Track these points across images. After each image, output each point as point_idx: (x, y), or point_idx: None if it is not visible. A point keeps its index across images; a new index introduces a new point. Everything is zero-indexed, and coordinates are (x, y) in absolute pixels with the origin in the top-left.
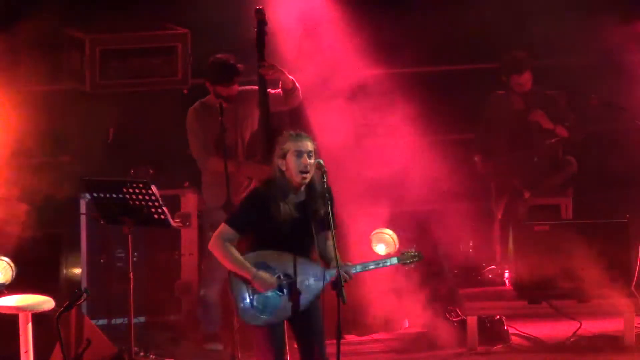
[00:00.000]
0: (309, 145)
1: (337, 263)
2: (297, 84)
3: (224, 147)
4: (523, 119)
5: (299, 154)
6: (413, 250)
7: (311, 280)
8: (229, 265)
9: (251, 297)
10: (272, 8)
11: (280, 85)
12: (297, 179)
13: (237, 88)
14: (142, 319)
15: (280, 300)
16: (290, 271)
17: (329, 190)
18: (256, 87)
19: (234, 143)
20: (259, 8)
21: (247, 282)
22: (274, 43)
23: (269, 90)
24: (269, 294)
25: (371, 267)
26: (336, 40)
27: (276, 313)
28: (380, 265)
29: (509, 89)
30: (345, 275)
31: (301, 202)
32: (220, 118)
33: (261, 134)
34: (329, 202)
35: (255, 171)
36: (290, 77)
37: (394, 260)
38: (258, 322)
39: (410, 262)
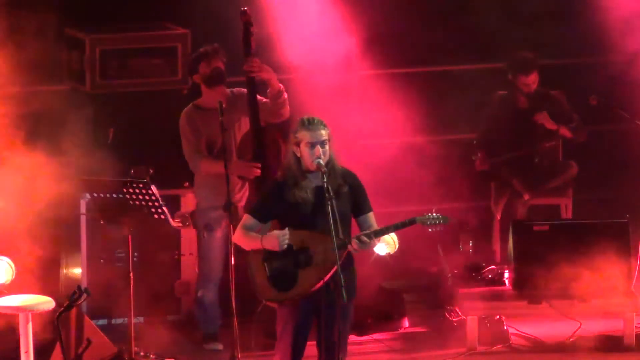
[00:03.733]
0: (322, 135)
1: (337, 263)
2: (285, 93)
3: (224, 147)
4: (527, 119)
5: (312, 145)
6: (434, 213)
7: (328, 250)
8: (247, 247)
9: (268, 272)
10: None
11: (268, 91)
12: (311, 167)
13: (227, 92)
14: (142, 319)
15: (297, 273)
16: (307, 244)
17: (328, 190)
18: (245, 89)
19: (227, 145)
20: (244, 9)
21: (264, 258)
22: (269, 46)
23: (258, 97)
24: (286, 268)
25: (391, 230)
26: (335, 38)
27: (296, 287)
28: (400, 227)
29: (514, 89)
30: (366, 241)
31: (320, 186)
32: (220, 118)
33: (251, 135)
34: (329, 202)
35: (245, 170)
36: (279, 84)
37: (414, 221)
38: (280, 299)
39: (433, 223)
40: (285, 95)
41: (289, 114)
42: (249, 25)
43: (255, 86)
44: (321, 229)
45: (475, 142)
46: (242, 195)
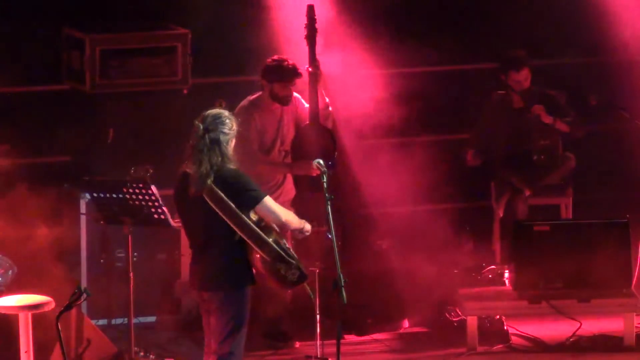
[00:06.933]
0: None
1: (337, 263)
2: (330, 108)
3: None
4: (522, 118)
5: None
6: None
7: None
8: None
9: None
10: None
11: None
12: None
13: (293, 92)
14: (142, 319)
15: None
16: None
17: (327, 190)
18: (299, 95)
19: (271, 144)
20: (311, 5)
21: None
22: (270, 46)
23: (304, 103)
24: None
25: None
26: (338, 40)
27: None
28: None
29: (508, 88)
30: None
31: None
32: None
33: (311, 132)
34: (328, 203)
35: (306, 168)
36: (326, 97)
37: None
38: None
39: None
40: (330, 108)
41: (332, 125)
42: (313, 22)
43: (318, 86)
44: None
45: (468, 141)
46: (280, 193)
